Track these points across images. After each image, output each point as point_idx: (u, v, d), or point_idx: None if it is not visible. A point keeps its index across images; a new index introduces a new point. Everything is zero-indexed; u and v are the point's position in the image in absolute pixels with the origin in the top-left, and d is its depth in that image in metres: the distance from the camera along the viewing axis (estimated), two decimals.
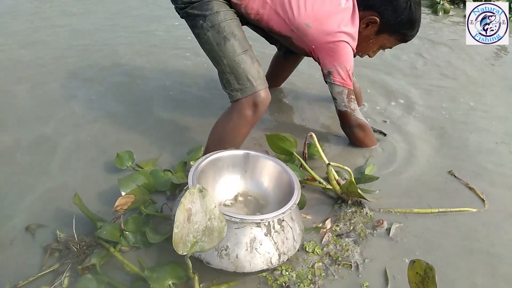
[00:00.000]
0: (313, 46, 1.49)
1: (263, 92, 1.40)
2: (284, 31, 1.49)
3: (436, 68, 2.52)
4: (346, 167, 1.27)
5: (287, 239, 1.10)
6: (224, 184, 1.29)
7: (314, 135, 1.39)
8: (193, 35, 1.46)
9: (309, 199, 1.37)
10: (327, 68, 1.50)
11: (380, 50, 1.67)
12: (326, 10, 1.45)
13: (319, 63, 1.53)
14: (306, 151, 1.51)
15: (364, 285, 1.11)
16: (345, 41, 1.46)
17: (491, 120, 1.95)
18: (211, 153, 1.25)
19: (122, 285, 1.07)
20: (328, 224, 1.31)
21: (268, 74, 2.03)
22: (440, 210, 1.35)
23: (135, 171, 1.48)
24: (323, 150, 1.40)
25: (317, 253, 1.20)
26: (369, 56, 1.67)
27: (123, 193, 1.27)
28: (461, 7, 3.86)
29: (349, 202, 1.36)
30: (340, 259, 1.18)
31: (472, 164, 1.62)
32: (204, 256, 1.02)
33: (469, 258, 1.20)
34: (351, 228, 1.29)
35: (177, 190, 1.40)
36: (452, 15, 3.67)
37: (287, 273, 1.12)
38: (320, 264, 1.17)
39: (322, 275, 1.13)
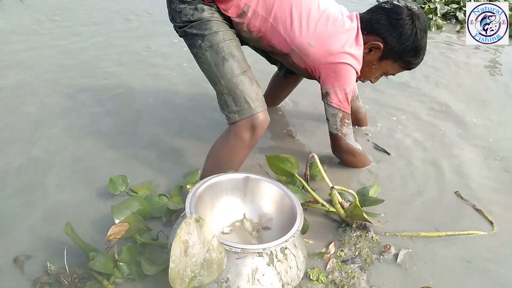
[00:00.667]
0: (314, 66, 1.45)
1: (262, 115, 1.36)
2: (285, 49, 1.45)
3: (433, 83, 2.50)
4: (350, 190, 1.22)
5: (290, 268, 1.04)
6: (222, 209, 1.24)
7: (316, 156, 1.35)
8: (191, 54, 1.43)
9: (311, 223, 1.32)
10: (326, 88, 1.46)
11: (383, 76, 1.62)
12: (330, 30, 1.40)
13: (319, 82, 1.49)
14: (308, 173, 1.46)
15: None
16: (348, 64, 1.41)
17: (491, 137, 1.92)
18: (209, 177, 1.20)
19: None
20: (332, 249, 1.25)
21: (267, 93, 1.99)
22: (448, 233, 1.30)
23: (129, 196, 1.42)
24: (324, 171, 1.36)
25: (322, 281, 1.14)
26: (371, 82, 1.62)
27: (116, 221, 1.21)
28: (453, 22, 3.88)
29: (354, 225, 1.30)
30: (346, 287, 1.13)
31: (477, 184, 1.58)
32: None
33: (480, 285, 1.15)
34: (357, 254, 1.23)
35: (173, 216, 1.35)
36: (444, 31, 3.68)
37: None
38: None
39: None
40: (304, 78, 1.84)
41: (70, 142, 1.77)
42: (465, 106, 2.21)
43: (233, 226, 1.24)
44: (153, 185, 1.52)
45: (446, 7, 3.93)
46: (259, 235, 1.22)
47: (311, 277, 1.15)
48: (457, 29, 3.69)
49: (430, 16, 3.70)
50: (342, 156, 1.61)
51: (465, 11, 3.69)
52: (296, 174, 1.41)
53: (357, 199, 1.22)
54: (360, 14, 1.51)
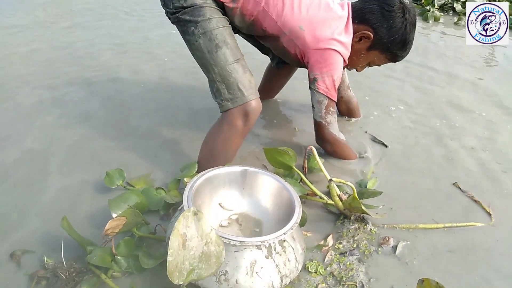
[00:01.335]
0: (304, 50, 1.45)
1: (254, 102, 1.35)
2: (276, 32, 1.45)
3: (429, 74, 2.49)
4: (348, 183, 1.22)
5: (289, 260, 1.04)
6: (220, 203, 1.23)
7: (314, 149, 1.34)
8: (183, 42, 1.42)
9: (309, 216, 1.31)
10: (314, 74, 1.46)
11: (368, 66, 1.62)
12: (321, 15, 1.41)
13: (308, 68, 1.49)
14: (306, 165, 1.46)
15: None
16: (336, 51, 1.42)
17: (487, 129, 1.91)
18: (207, 170, 1.19)
19: None
20: (330, 241, 1.25)
21: (261, 86, 1.99)
22: (446, 225, 1.30)
23: (126, 190, 1.41)
24: (322, 164, 1.35)
25: (320, 273, 1.14)
26: (356, 71, 1.63)
27: (114, 215, 1.20)
28: (450, 14, 3.87)
29: (352, 218, 1.30)
30: (344, 279, 1.12)
31: (476, 175, 1.58)
32: (202, 282, 0.95)
33: (479, 276, 1.15)
34: (355, 246, 1.23)
35: (171, 209, 1.34)
36: (442, 22, 3.67)
37: None
38: (324, 285, 1.11)
39: None
40: (298, 72, 1.83)
41: (64, 135, 1.76)
42: (464, 98, 2.20)
43: (231, 219, 1.23)
44: (150, 178, 1.51)
45: None
46: (257, 229, 1.22)
47: (309, 270, 1.14)
48: (455, 20, 3.68)
49: (428, 7, 3.69)
50: (324, 146, 1.60)
51: (462, 2, 3.68)
52: (294, 167, 1.41)
53: (355, 192, 1.21)
54: (353, 2, 1.51)
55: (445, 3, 3.90)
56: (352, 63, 1.56)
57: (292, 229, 1.02)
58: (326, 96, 1.47)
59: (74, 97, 2.10)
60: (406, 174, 1.57)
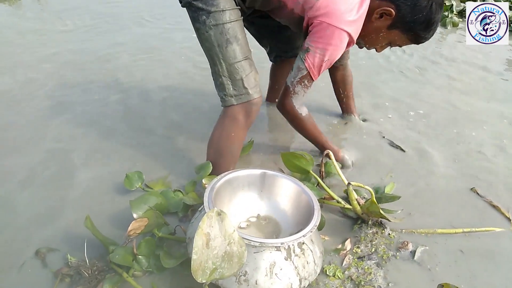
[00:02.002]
0: (313, 18, 1.35)
1: (258, 101, 1.37)
2: (291, 3, 1.39)
3: (446, 79, 2.48)
4: (367, 187, 1.22)
5: (308, 263, 1.05)
6: (239, 204, 1.24)
7: (331, 153, 1.35)
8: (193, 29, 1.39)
9: (326, 219, 1.32)
10: (309, 44, 1.36)
11: (389, 47, 1.53)
12: None
13: (307, 35, 1.40)
14: (323, 169, 1.46)
15: None
16: (345, 31, 1.32)
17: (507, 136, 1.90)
18: (227, 172, 1.21)
19: None
20: (348, 245, 1.26)
21: (270, 87, 2.02)
22: (465, 230, 1.30)
23: (145, 192, 1.44)
24: (340, 168, 1.36)
25: (339, 277, 1.14)
26: (376, 51, 1.53)
27: (134, 215, 1.23)
28: None
29: (370, 222, 1.30)
30: (363, 283, 1.13)
31: (494, 180, 1.56)
32: (222, 282, 0.97)
33: (501, 281, 1.14)
34: (373, 250, 1.23)
35: (189, 210, 1.36)
36: (461, 28, 3.64)
37: None
38: None
39: None
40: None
41: (84, 136, 1.81)
42: (482, 105, 2.19)
43: (249, 221, 1.25)
44: (167, 180, 1.54)
45: (462, 4, 3.89)
46: (275, 231, 1.23)
47: (327, 273, 1.15)
48: None
49: (446, 13, 3.67)
50: (283, 114, 1.53)
51: None
52: (311, 171, 1.42)
53: (374, 196, 1.22)
54: None
55: (464, 9, 3.88)
56: (371, 42, 1.48)
57: (311, 231, 1.03)
58: (307, 70, 1.39)
59: (92, 99, 2.15)
60: (423, 179, 1.56)
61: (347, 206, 1.33)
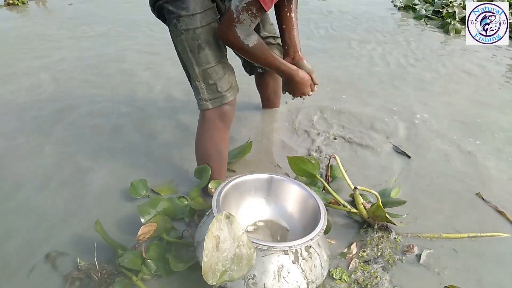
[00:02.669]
0: None
1: (232, 102, 1.37)
2: None
3: (451, 85, 2.50)
4: (373, 191, 1.23)
5: (315, 266, 1.06)
6: (246, 209, 1.26)
7: (337, 157, 1.37)
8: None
9: (332, 224, 1.33)
10: None
11: None
12: None
13: None
14: (329, 174, 1.48)
15: None
16: None
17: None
18: (234, 177, 1.22)
19: None
20: (354, 249, 1.27)
21: (261, 97, 2.02)
22: (470, 235, 1.30)
23: (150, 198, 1.45)
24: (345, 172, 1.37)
25: (345, 280, 1.16)
26: None
27: (142, 220, 1.25)
28: None
29: (375, 226, 1.31)
30: (369, 286, 1.14)
31: (499, 186, 1.57)
32: (231, 285, 0.98)
33: (508, 285, 1.15)
34: (379, 254, 1.24)
35: (195, 216, 1.37)
36: (463, 35, 3.66)
37: None
38: None
39: None
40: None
41: (89, 140, 1.84)
42: (487, 111, 2.20)
43: (256, 225, 1.26)
44: (173, 185, 1.55)
45: (464, 11, 3.91)
46: (281, 235, 1.24)
47: (334, 276, 1.16)
48: None
49: (449, 20, 3.68)
50: (226, 44, 1.33)
51: None
52: (317, 175, 1.43)
53: (380, 200, 1.23)
54: None
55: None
56: None
57: (318, 235, 1.04)
58: None
59: (97, 103, 2.17)
60: (428, 184, 1.57)
61: (353, 210, 1.34)
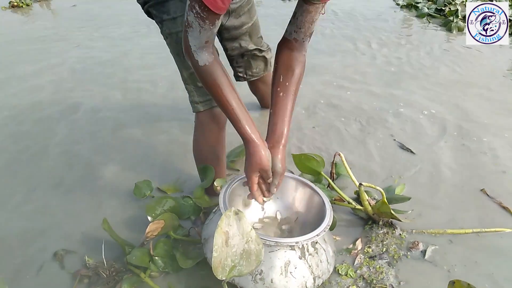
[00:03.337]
0: None
1: None
2: None
3: (455, 83, 2.50)
4: (378, 188, 1.24)
5: (321, 262, 1.07)
6: (252, 205, 1.27)
7: (342, 155, 1.37)
8: None
9: (337, 220, 1.34)
10: None
11: None
12: None
13: None
14: (334, 171, 1.49)
15: None
16: None
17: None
18: (240, 175, 1.23)
19: None
20: (359, 245, 1.28)
21: (258, 99, 2.01)
22: (475, 230, 1.31)
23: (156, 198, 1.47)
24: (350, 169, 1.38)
25: (351, 276, 1.17)
26: None
27: (149, 218, 1.26)
28: None
29: (380, 223, 1.32)
30: (374, 281, 1.15)
31: (503, 182, 1.58)
32: (239, 281, 1.00)
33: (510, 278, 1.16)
34: (384, 250, 1.25)
35: (201, 213, 1.39)
36: (465, 33, 3.66)
37: None
38: (355, 287, 1.13)
39: None
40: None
41: (97, 141, 1.85)
42: (493, 109, 2.20)
43: (262, 222, 1.27)
44: (178, 184, 1.56)
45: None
46: (287, 232, 1.25)
47: (340, 272, 1.17)
48: None
49: (451, 18, 3.68)
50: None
51: None
52: (322, 172, 1.44)
53: (385, 196, 1.24)
54: None
55: None
56: None
57: (324, 231, 1.05)
58: None
59: (102, 100, 2.19)
60: (433, 180, 1.58)
61: (358, 206, 1.35)
